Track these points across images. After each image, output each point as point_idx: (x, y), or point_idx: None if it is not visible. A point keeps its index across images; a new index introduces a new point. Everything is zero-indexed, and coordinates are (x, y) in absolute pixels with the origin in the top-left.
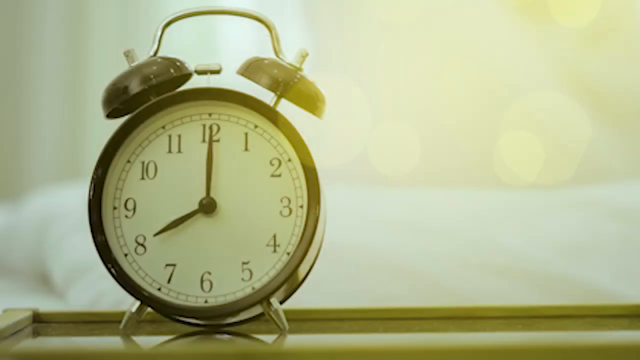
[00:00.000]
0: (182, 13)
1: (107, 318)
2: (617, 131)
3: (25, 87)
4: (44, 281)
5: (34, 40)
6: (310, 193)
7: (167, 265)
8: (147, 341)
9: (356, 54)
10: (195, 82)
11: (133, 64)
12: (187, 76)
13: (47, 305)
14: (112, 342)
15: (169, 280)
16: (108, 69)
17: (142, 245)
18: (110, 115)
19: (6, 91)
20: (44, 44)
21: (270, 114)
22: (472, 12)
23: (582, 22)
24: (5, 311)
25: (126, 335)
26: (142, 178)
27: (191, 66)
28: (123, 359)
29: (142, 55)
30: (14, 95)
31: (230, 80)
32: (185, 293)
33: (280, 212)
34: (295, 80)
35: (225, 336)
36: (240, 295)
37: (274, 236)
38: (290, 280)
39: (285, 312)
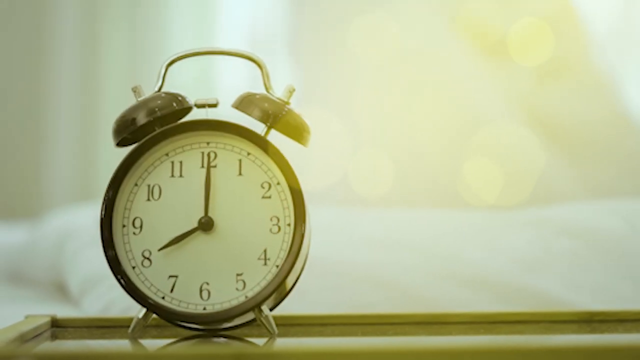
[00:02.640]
0: (183, 53)
1: (117, 323)
2: (567, 158)
3: (45, 119)
4: (61, 291)
5: (53, 77)
6: (296, 213)
7: (170, 276)
8: (152, 344)
9: (337, 89)
10: (195, 115)
11: (140, 99)
12: (187, 109)
13: (64, 312)
14: (121, 344)
15: (171, 290)
16: (118, 103)
17: (148, 259)
18: (120, 144)
19: (28, 123)
20: (62, 81)
21: (261, 143)
22: (441, 52)
23: (537, 62)
24: (27, 317)
25: (134, 338)
26: (148, 199)
27: (191, 100)
28: None
29: (148, 91)
30: (35, 126)
31: (226, 112)
32: (186, 301)
33: (270, 230)
34: (284, 113)
35: (222, 339)
36: (234, 303)
37: (265, 251)
38: (279, 290)
39: (275, 318)
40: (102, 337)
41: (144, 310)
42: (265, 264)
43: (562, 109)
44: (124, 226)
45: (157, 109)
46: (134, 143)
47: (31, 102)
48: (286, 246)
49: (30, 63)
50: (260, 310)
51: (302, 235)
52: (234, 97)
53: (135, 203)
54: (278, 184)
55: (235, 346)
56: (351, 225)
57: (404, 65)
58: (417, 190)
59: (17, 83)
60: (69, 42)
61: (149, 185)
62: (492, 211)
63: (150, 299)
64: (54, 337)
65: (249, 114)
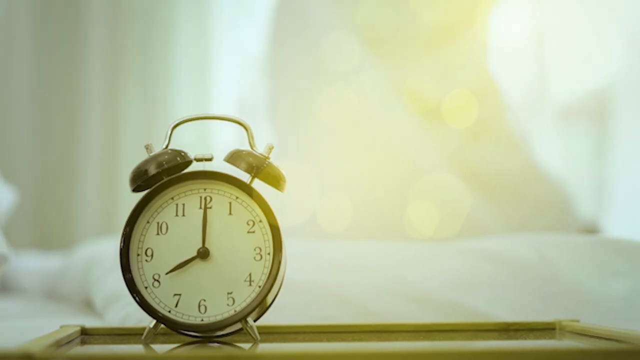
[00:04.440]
0: (185, 118)
1: (133, 332)
2: (491, 201)
3: (77, 169)
4: (88, 306)
5: (85, 135)
6: (275, 244)
7: (174, 294)
8: (161, 348)
9: (307, 146)
10: (195, 167)
11: (151, 154)
12: (189, 162)
13: (90, 322)
14: (136, 348)
15: (176, 305)
16: (134, 156)
17: (158, 280)
18: (135, 190)
19: (63, 171)
20: (91, 139)
21: (247, 189)
22: (389, 117)
23: (465, 125)
24: (61, 327)
25: (146, 344)
26: (158, 234)
27: (192, 155)
28: None
29: (157, 147)
30: (68, 174)
31: (219, 165)
32: (187, 314)
33: (254, 258)
34: (265, 165)
35: (215, 344)
36: (226, 315)
37: (250, 274)
38: (261, 305)
39: (258, 327)
40: (121, 342)
41: (154, 321)
42: (250, 284)
43: (485, 162)
44: (138, 255)
45: (164, 162)
46: (146, 189)
47: (65, 154)
48: (267, 270)
49: (66, 122)
50: (246, 322)
51: (280, 262)
52: (225, 152)
53: (147, 237)
54: (260, 221)
55: (226, 350)
56: (318, 254)
57: (360, 127)
58: (371, 226)
59: (55, 139)
60: (95, 108)
61: (158, 223)
62: (429, 242)
63: (159, 312)
64: (83, 342)
65: (237, 166)
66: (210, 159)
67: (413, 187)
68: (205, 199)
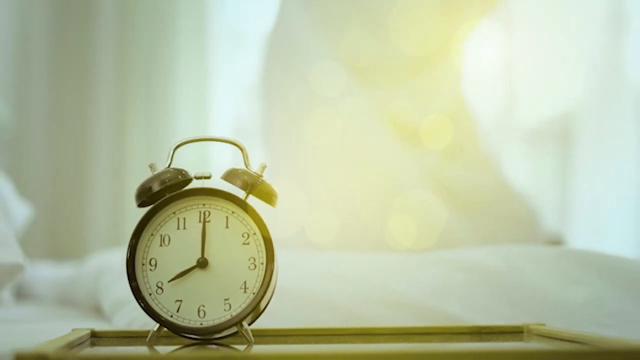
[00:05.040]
0: (186, 140)
1: (138, 334)
2: (464, 215)
3: (86, 187)
4: (97, 311)
5: (94, 156)
6: (267, 254)
7: (176, 300)
8: (164, 349)
9: (297, 165)
10: (195, 184)
11: (155, 172)
12: (189, 180)
13: (99, 326)
14: (141, 350)
15: (177, 310)
16: (139, 175)
17: (161, 288)
18: (140, 205)
19: (72, 190)
20: (100, 160)
21: (242, 205)
22: (372, 139)
23: (441, 145)
24: (73, 330)
25: (150, 345)
26: (161, 245)
27: (192, 173)
28: None
29: (160, 166)
30: (79, 192)
31: (217, 182)
32: (188, 318)
33: (249, 267)
34: (258, 183)
35: (213, 346)
36: (223, 320)
37: (245, 282)
38: (255, 311)
39: (252, 330)
40: (127, 344)
41: (157, 325)
42: (245, 291)
43: (459, 179)
44: (143, 264)
45: (167, 180)
46: (150, 204)
47: (77, 173)
48: (260, 279)
49: (77, 144)
50: (242, 325)
51: (272, 271)
52: (222, 171)
53: (152, 248)
54: (254, 234)
55: (223, 351)
56: (307, 263)
57: (345, 148)
58: (355, 238)
59: (68, 159)
60: (104, 131)
61: (161, 235)
62: (408, 253)
63: (162, 317)
64: (92, 344)
65: (233, 184)
66: (208, 177)
67: (393, 203)
68: (204, 213)
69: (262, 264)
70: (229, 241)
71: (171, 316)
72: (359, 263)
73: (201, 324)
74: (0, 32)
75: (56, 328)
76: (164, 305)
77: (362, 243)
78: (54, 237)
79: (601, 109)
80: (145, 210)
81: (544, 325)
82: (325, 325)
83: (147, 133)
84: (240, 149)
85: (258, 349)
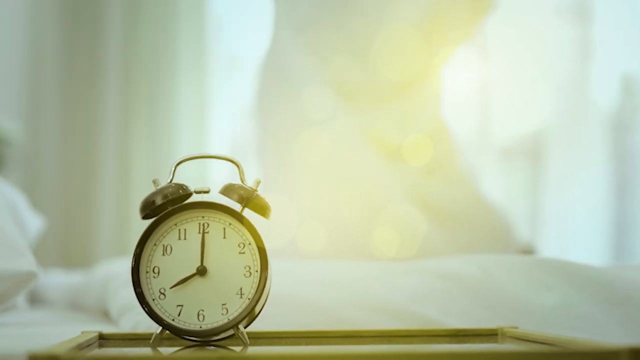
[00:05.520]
0: (186, 157)
1: (143, 337)
2: (442, 227)
3: (95, 201)
4: (105, 315)
5: (100, 173)
6: (262, 263)
7: (177, 305)
8: (166, 350)
9: (289, 181)
10: (194, 198)
11: (158, 187)
12: (189, 194)
13: (107, 329)
14: (145, 351)
15: (179, 315)
16: (143, 189)
17: (163, 294)
18: (144, 217)
19: (82, 204)
20: (107, 176)
21: (238, 217)
22: (358, 157)
23: (422, 163)
24: (82, 332)
25: (154, 347)
26: (163, 254)
27: (192, 188)
28: None
29: (163, 182)
30: (88, 206)
31: (215, 196)
32: (188, 322)
33: (244, 274)
34: (253, 197)
35: (212, 347)
36: (220, 323)
37: (241, 288)
38: (250, 315)
39: (247, 333)
40: (133, 346)
41: (160, 328)
42: (241, 297)
43: (438, 194)
44: (147, 272)
45: (169, 194)
46: (154, 217)
47: (86, 188)
48: (255, 285)
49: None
50: (238, 328)
51: (266, 278)
52: (220, 186)
53: (155, 257)
54: (250, 244)
55: (221, 352)
56: (298, 271)
57: (333, 165)
58: (342, 248)
59: (77, 175)
60: (111, 149)
61: (163, 245)
62: (391, 262)
63: (165, 320)
64: (100, 346)
65: (230, 198)
66: (207, 192)
67: (377, 216)
68: (203, 225)
69: (257, 271)
70: (226, 250)
71: (173, 320)
72: (346, 271)
73: (200, 327)
74: (14, 57)
75: (67, 331)
76: (166, 309)
77: (348, 252)
78: (65, 247)
79: (568, 129)
80: (149, 222)
81: (517, 328)
82: (315, 328)
83: (151, 151)
84: (237, 165)
85: (253, 350)
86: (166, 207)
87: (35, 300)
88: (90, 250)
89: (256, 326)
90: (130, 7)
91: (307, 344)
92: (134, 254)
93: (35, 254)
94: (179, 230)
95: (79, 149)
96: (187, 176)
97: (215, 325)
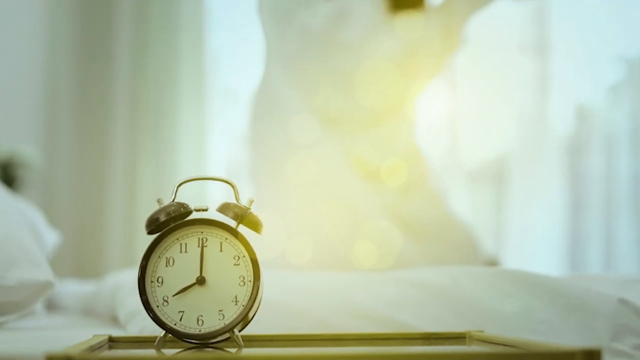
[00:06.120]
0: (187, 179)
1: (148, 340)
2: (416, 241)
3: (105, 220)
4: (114, 320)
5: (110, 193)
6: (255, 273)
7: (179, 311)
8: (169, 352)
9: (278, 200)
10: (194, 215)
11: (161, 206)
12: (190, 212)
13: (116, 332)
14: (150, 352)
15: (180, 320)
16: (149, 207)
17: (166, 301)
18: (150, 232)
19: (93, 220)
20: (114, 195)
21: (234, 232)
22: (340, 178)
23: (398, 183)
24: (94, 336)
25: (158, 349)
26: (166, 266)
27: (192, 206)
28: None
29: (166, 201)
30: (99, 224)
31: (213, 214)
32: (189, 326)
33: (239, 284)
34: (247, 214)
35: (210, 349)
36: (217, 327)
37: (236, 296)
38: (244, 320)
39: (242, 336)
40: (139, 347)
41: (164, 332)
42: (236, 304)
43: (413, 212)
44: (151, 282)
45: (171, 212)
46: (158, 232)
47: (97, 206)
48: (249, 293)
49: (97, 182)
50: (233, 332)
51: (258, 287)
52: (217, 204)
53: (159, 268)
54: (244, 256)
55: (218, 353)
56: (287, 281)
57: (318, 185)
58: (326, 260)
59: (89, 195)
60: (120, 171)
61: (167, 257)
62: (370, 272)
63: (168, 325)
64: (110, 347)
65: (226, 215)
66: (206, 209)
67: (358, 231)
68: (202, 239)
69: (250, 281)
70: (222, 262)
71: (175, 324)
72: (330, 280)
73: (200, 331)
74: (33, 91)
75: (80, 334)
76: (169, 315)
77: (332, 264)
78: (78, 259)
79: (529, 154)
80: (153, 237)
81: (482, 332)
82: (302, 332)
83: (155, 173)
84: (232, 186)
85: (247, 351)
86: (169, 223)
87: (52, 306)
88: (101, 262)
89: (250, 330)
90: (137, 47)
91: (295, 346)
92: (140, 265)
93: (51, 265)
94: (181, 244)
95: (90, 172)
96: (188, 196)
97: (213, 329)
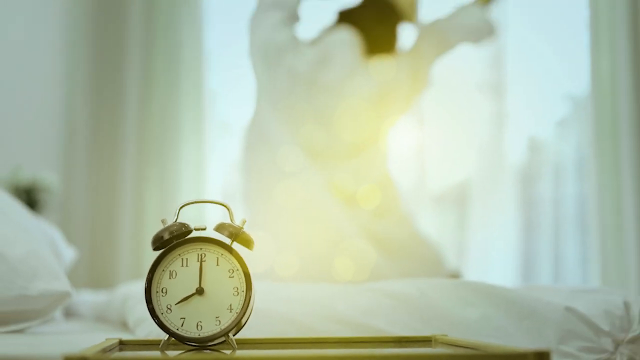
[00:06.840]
0: (187, 202)
1: (154, 343)
2: (388, 257)
3: (115, 238)
4: (124, 326)
5: (120, 213)
6: (247, 285)
7: (181, 318)
8: (172, 353)
9: (268, 221)
10: (194, 234)
11: (165, 225)
12: (190, 231)
13: (126, 336)
14: (156, 354)
15: (182, 325)
16: (154, 227)
17: (170, 309)
18: (155, 249)
19: (106, 237)
20: (124, 215)
21: (229, 249)
22: (322, 202)
23: (372, 206)
24: (106, 339)
25: (162, 350)
26: (170, 278)
27: (192, 226)
28: None
29: (169, 221)
30: (110, 240)
31: (210, 232)
32: (189, 331)
33: (233, 294)
34: (240, 233)
35: (208, 351)
36: (215, 332)
37: (231, 305)
38: (238, 325)
39: (236, 340)
40: (146, 349)
41: (167, 336)
42: (231, 311)
43: (385, 232)
44: (157, 292)
45: (174, 231)
46: (162, 248)
47: (109, 224)
48: (242, 302)
49: (108, 204)
50: (228, 336)
51: (250, 297)
52: (214, 224)
53: (163, 280)
54: (238, 270)
55: (215, 354)
56: (276, 291)
57: (303, 208)
58: (310, 273)
59: (102, 215)
60: (129, 195)
61: (170, 271)
62: (349, 284)
63: (171, 330)
64: (121, 350)
65: (222, 234)
66: (204, 229)
67: (337, 248)
68: (201, 255)
69: (243, 291)
70: (219, 275)
71: (177, 329)
72: (313, 291)
73: (199, 335)
74: (52, 123)
75: (94, 338)
76: (172, 321)
77: (315, 276)
78: (93, 272)
79: (487, 181)
80: (158, 252)
81: (446, 336)
82: (289, 336)
83: (160, 197)
84: (227, 208)
85: (240, 353)
86: (172, 241)
87: (69, 314)
88: (112, 274)
89: (243, 334)
90: (144, 86)
91: (283, 348)
92: (147, 277)
93: (69, 277)
94: (182, 259)
95: (103, 195)
96: (188, 217)
97: (210, 333)
